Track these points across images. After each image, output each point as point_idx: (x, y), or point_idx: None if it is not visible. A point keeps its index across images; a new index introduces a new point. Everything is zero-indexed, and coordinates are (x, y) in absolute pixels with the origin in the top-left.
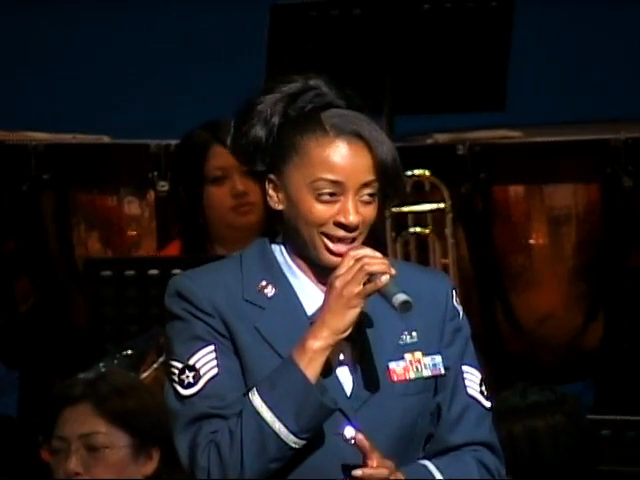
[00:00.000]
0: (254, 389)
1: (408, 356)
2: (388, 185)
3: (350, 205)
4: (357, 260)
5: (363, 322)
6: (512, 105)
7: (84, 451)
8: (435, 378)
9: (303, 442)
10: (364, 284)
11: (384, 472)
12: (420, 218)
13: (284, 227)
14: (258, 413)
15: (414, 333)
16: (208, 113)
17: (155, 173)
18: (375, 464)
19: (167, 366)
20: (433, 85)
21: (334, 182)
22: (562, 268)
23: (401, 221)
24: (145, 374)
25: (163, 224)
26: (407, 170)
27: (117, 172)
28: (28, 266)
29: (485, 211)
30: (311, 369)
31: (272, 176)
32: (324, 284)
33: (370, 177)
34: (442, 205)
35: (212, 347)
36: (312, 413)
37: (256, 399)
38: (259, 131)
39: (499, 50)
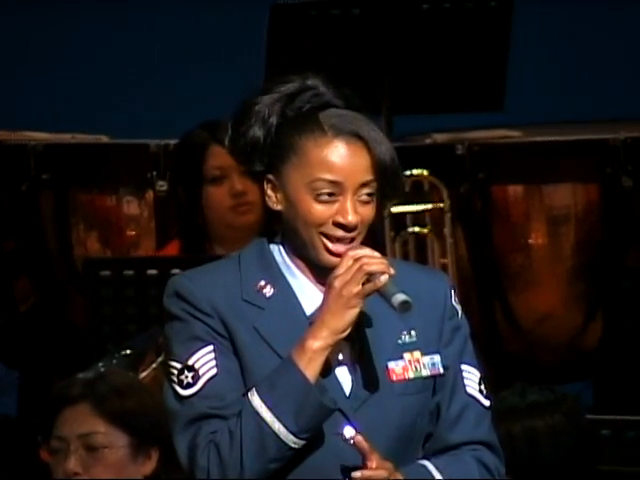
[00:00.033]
0: (253, 389)
1: (407, 356)
2: (387, 185)
3: (349, 205)
4: (356, 260)
5: (362, 322)
6: (511, 105)
7: (83, 451)
8: (434, 378)
9: (302, 442)
10: (363, 284)
11: (383, 474)
12: (419, 218)
13: (283, 227)
14: (257, 413)
15: (413, 332)
16: (208, 113)
17: (154, 173)
18: (374, 465)
19: (166, 366)
20: (432, 85)
21: (333, 182)
22: (561, 268)
23: (400, 221)
24: (144, 374)
25: (162, 224)
26: (406, 170)
27: (116, 172)
28: (27, 266)
29: (484, 211)
30: (310, 369)
31: (270, 176)
32: (323, 284)
33: (369, 177)
34: (441, 205)
35: (211, 347)
36: (311, 413)
37: (255, 399)
38: (257, 131)
39: (498, 50)
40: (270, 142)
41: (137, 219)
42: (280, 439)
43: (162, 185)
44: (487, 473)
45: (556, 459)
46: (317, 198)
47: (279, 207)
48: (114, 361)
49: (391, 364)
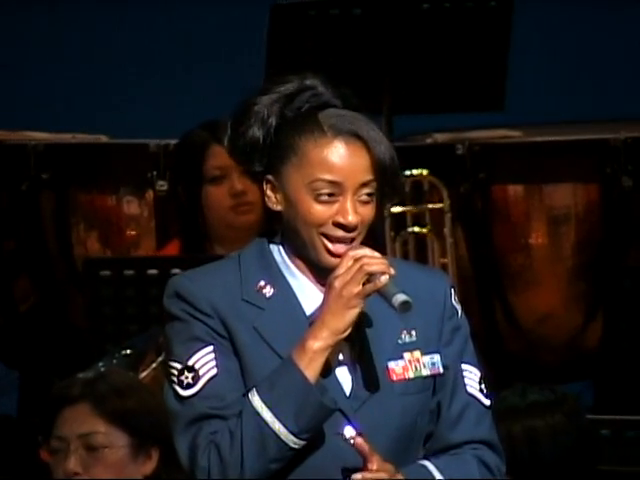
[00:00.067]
0: (254, 389)
1: (407, 355)
2: (386, 184)
3: (349, 205)
4: (356, 260)
5: (362, 322)
6: (511, 105)
7: (83, 451)
8: (434, 377)
9: (303, 442)
10: (363, 284)
11: (384, 476)
12: (419, 218)
13: (283, 227)
14: (258, 413)
15: (413, 332)
16: (208, 113)
17: (154, 173)
18: (375, 467)
19: (166, 367)
20: (432, 85)
21: (332, 182)
22: (561, 268)
23: (400, 221)
24: (144, 374)
25: (162, 224)
26: (406, 170)
27: (116, 172)
28: (27, 266)
29: (484, 211)
30: (311, 369)
31: (270, 177)
32: (323, 284)
33: (368, 177)
34: (441, 205)
35: (211, 348)
36: (312, 413)
37: (256, 399)
38: (256, 132)
39: (498, 50)
40: (269, 143)
41: (137, 219)
42: (280, 439)
43: (162, 185)
44: (488, 472)
45: (556, 459)
46: (317, 198)
47: (279, 207)
48: (114, 361)
49: (391, 364)
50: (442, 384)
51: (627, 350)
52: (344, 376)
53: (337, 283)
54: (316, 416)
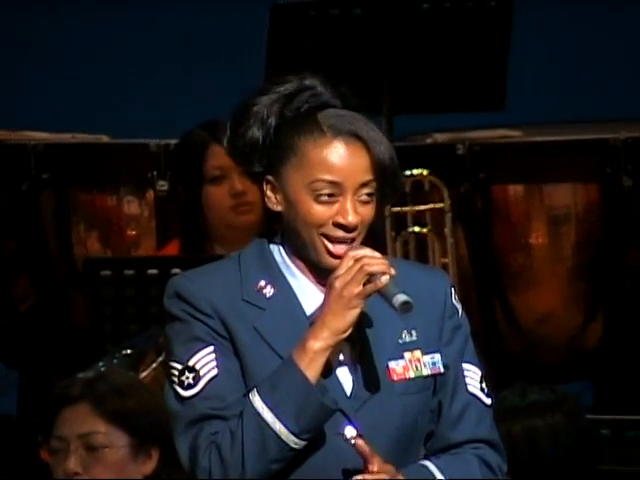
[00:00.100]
0: (254, 390)
1: (407, 355)
2: (386, 184)
3: (349, 205)
4: (357, 260)
5: (363, 322)
6: (511, 105)
7: (83, 451)
8: (434, 377)
9: (304, 443)
10: (364, 284)
11: (385, 477)
12: (419, 218)
13: (283, 228)
14: (259, 414)
15: (413, 332)
16: (208, 113)
17: (154, 173)
18: (376, 469)
19: (167, 367)
20: (432, 85)
21: (332, 183)
22: (561, 268)
23: (400, 221)
24: (144, 373)
25: (162, 224)
26: (406, 170)
27: (116, 172)
28: (27, 266)
29: (484, 211)
30: (311, 370)
31: (270, 177)
32: (323, 284)
33: (368, 177)
34: (441, 205)
35: (211, 348)
36: (312, 414)
37: (256, 400)
38: (256, 132)
39: (498, 50)
40: (269, 143)
41: (137, 219)
42: (281, 440)
43: (162, 185)
44: (489, 471)
45: (556, 459)
46: (317, 199)
47: (279, 208)
48: (114, 361)
49: (392, 364)
50: (443, 383)
51: (627, 350)
52: (345, 376)
53: (338, 283)
54: (317, 416)
